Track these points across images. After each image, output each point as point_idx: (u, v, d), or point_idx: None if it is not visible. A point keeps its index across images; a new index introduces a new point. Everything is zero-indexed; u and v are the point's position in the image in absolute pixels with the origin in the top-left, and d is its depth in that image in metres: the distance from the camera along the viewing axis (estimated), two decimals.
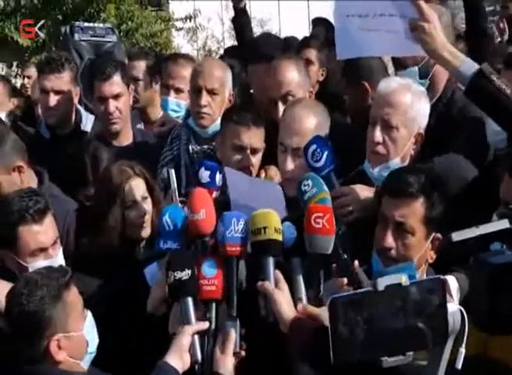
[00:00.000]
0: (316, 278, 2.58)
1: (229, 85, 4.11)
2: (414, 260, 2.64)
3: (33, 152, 4.24)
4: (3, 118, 5.15)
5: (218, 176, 2.96)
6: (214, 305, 2.62)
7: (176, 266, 2.61)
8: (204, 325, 2.59)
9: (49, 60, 4.54)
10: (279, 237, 2.57)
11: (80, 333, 2.52)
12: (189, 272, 2.58)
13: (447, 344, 2.05)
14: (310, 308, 2.50)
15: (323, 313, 2.43)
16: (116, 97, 4.28)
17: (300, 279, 2.59)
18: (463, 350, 2.05)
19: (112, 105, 4.25)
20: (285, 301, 2.48)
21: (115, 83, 4.28)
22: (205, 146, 3.98)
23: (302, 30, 11.76)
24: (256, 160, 3.60)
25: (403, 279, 1.96)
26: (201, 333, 2.59)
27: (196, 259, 2.64)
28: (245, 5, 5.36)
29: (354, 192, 3.03)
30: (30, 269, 2.97)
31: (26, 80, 7.40)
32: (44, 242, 3.07)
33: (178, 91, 4.86)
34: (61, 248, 3.16)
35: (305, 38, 6.25)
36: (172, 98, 4.89)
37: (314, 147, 3.00)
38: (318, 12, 8.12)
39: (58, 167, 4.05)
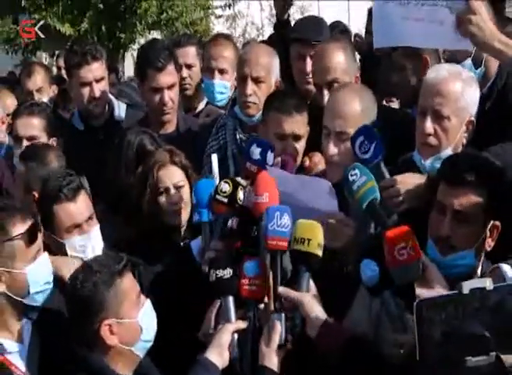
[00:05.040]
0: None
1: (275, 72, 4.01)
2: (472, 248, 2.61)
3: (68, 143, 4.29)
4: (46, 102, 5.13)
5: (269, 155, 2.97)
6: (254, 304, 2.65)
7: (217, 264, 2.66)
8: (244, 324, 2.63)
9: (84, 52, 4.41)
10: (320, 253, 2.58)
11: (133, 320, 2.56)
12: (230, 271, 2.63)
13: None
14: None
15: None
16: (171, 87, 4.25)
17: (395, 312, 2.42)
18: None
19: (167, 95, 4.23)
20: (314, 306, 2.51)
21: (169, 74, 4.24)
22: (253, 134, 3.89)
23: (342, 16, 11.66)
24: (300, 146, 3.55)
25: (488, 283, 2.00)
26: (241, 332, 2.63)
27: (240, 259, 2.68)
28: (288, 16, 5.19)
29: (405, 181, 2.94)
30: (67, 246, 3.18)
31: (57, 71, 7.41)
32: (78, 219, 3.21)
33: (222, 72, 4.59)
34: (98, 225, 3.28)
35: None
36: (217, 80, 4.58)
37: (361, 138, 2.90)
38: None
39: (93, 158, 4.04)
